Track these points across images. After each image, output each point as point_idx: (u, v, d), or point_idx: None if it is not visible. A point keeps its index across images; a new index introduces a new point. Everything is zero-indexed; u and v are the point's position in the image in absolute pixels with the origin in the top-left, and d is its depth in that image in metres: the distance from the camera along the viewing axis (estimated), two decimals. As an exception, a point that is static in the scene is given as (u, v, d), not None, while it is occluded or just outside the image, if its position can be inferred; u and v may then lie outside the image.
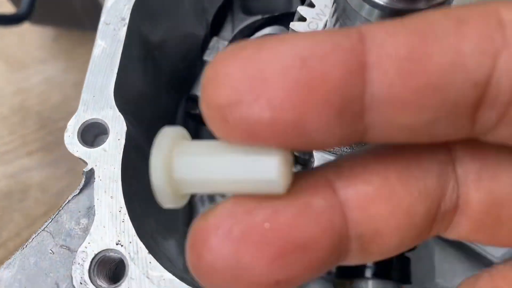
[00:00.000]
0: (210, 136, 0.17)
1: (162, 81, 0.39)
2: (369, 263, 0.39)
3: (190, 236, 0.17)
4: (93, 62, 0.31)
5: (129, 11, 0.33)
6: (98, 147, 0.29)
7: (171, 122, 0.42)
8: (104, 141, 0.29)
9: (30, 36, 0.73)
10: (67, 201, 0.29)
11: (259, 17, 0.40)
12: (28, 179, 0.66)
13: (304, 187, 0.17)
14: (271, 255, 0.16)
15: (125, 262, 0.27)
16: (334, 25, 0.25)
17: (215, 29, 0.42)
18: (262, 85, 0.15)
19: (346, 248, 0.17)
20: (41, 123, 0.67)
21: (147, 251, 0.27)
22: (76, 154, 0.29)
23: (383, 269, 0.40)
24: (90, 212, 0.28)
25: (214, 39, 0.40)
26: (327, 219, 0.17)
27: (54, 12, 0.64)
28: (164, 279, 0.26)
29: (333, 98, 0.15)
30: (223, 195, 0.44)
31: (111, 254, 0.27)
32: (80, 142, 0.29)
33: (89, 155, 0.29)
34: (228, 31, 0.41)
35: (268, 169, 0.16)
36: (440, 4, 0.21)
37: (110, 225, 0.27)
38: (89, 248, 0.27)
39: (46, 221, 0.29)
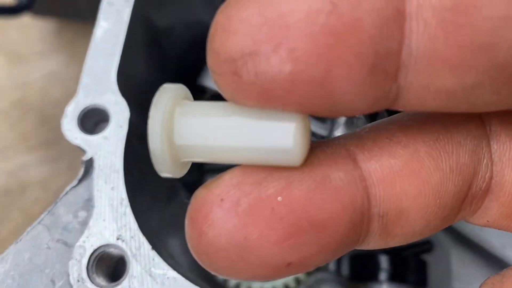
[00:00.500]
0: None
1: (168, 69, 0.37)
2: (384, 265, 0.38)
3: (190, 208, 0.15)
4: (94, 44, 0.29)
5: (134, -8, 0.30)
6: (99, 135, 0.27)
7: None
8: (105, 128, 0.27)
9: (31, 29, 0.72)
10: (64, 192, 0.27)
11: None
12: (28, 176, 0.64)
13: (321, 158, 0.15)
14: (283, 233, 0.14)
15: (126, 258, 0.25)
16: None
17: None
18: (283, 33, 0.13)
19: (366, 228, 0.16)
20: (41, 119, 0.66)
21: (150, 247, 0.25)
22: (75, 142, 0.27)
23: (398, 272, 0.38)
24: (89, 204, 0.26)
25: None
26: (348, 195, 0.15)
27: (56, 4, 0.62)
28: (168, 278, 0.24)
29: (366, 51, 0.13)
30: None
31: (111, 249, 0.25)
32: (79, 129, 0.27)
33: (89, 143, 0.27)
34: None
35: (284, 136, 0.14)
36: None
37: (111, 219, 0.25)
38: (88, 243, 0.25)
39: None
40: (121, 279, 0.25)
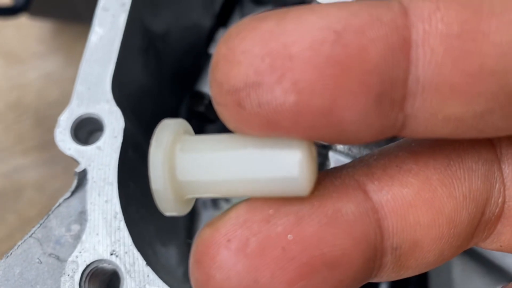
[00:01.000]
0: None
1: (165, 75, 0.36)
2: None
3: (195, 249, 0.14)
4: (89, 50, 0.28)
5: (130, -3, 0.30)
6: (92, 145, 0.26)
7: (174, 120, 0.39)
8: (99, 139, 0.26)
9: (28, 29, 0.71)
10: (57, 204, 0.26)
11: (270, 7, 0.37)
12: (23, 178, 0.64)
13: (331, 189, 0.15)
14: (295, 274, 0.13)
15: (120, 274, 0.24)
16: None
17: (222, 20, 0.39)
18: (287, 64, 0.12)
19: (379, 262, 0.15)
20: (38, 121, 0.65)
21: (145, 262, 0.24)
22: (68, 153, 0.26)
23: (399, 283, 0.38)
24: (82, 217, 0.25)
25: (221, 31, 0.37)
26: (360, 229, 0.14)
27: (53, 5, 0.61)
28: (163, 295, 0.24)
29: (372, 80, 0.12)
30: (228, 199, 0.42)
31: (104, 265, 0.24)
32: (72, 139, 0.26)
33: (82, 154, 0.26)
34: (236, 23, 0.38)
35: (290, 165, 0.14)
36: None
37: (104, 233, 0.25)
38: (80, 258, 0.24)
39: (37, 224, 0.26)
40: (115, 296, 0.24)
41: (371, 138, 0.14)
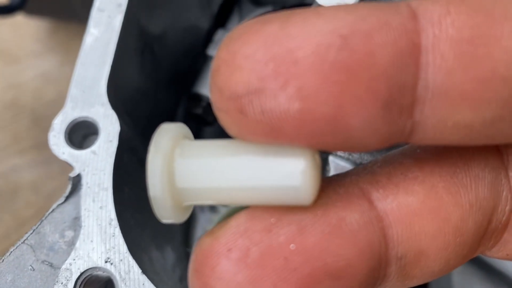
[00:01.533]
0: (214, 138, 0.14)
1: (161, 77, 0.35)
2: None
3: (194, 259, 0.14)
4: (83, 52, 0.27)
5: (126, -3, 0.29)
6: (87, 149, 0.26)
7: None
8: (94, 143, 0.26)
9: (24, 28, 0.70)
10: (51, 210, 0.25)
11: (269, 8, 0.37)
12: (19, 179, 0.63)
13: (334, 198, 0.14)
14: (297, 285, 0.13)
15: (115, 282, 0.23)
16: None
17: (220, 21, 0.38)
18: (291, 69, 0.12)
19: (383, 272, 0.15)
20: (34, 120, 0.65)
21: (140, 270, 0.23)
22: (62, 157, 0.26)
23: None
24: (76, 223, 0.25)
25: (220, 32, 0.37)
26: (365, 238, 0.14)
27: (49, 3, 0.61)
28: (158, 304, 0.23)
29: (380, 86, 0.12)
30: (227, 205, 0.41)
31: (99, 273, 0.24)
32: (66, 143, 0.26)
33: (77, 158, 0.25)
34: (234, 23, 0.38)
35: (293, 173, 0.13)
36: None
37: (99, 240, 0.24)
38: (74, 266, 0.24)
39: (33, 226, 0.25)
40: (109, 304, 0.23)
41: (377, 145, 0.13)
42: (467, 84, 0.12)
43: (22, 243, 0.25)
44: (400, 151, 0.16)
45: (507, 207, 0.16)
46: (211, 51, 0.36)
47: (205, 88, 0.36)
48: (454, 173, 0.15)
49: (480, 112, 0.13)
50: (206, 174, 0.14)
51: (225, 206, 0.40)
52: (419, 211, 0.15)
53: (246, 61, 0.12)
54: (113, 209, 0.24)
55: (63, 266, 0.24)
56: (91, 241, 0.24)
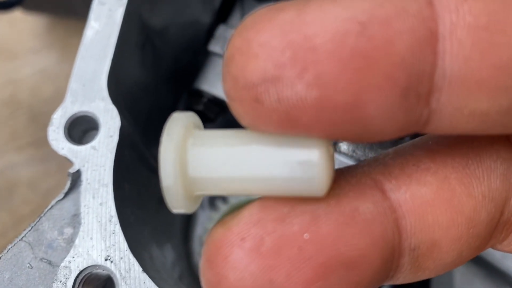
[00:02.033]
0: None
1: (162, 72, 0.35)
2: None
3: (207, 249, 0.14)
4: (84, 46, 0.27)
5: (127, -10, 0.28)
6: (87, 145, 0.25)
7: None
8: (94, 138, 0.25)
9: (22, 24, 0.70)
10: (49, 206, 0.25)
11: (271, 3, 0.36)
12: (17, 176, 0.63)
13: (346, 189, 0.14)
14: (311, 274, 0.13)
15: (115, 281, 0.23)
16: None
17: (222, 16, 0.38)
18: (309, 56, 0.12)
19: (396, 263, 0.15)
20: (32, 117, 0.65)
21: (141, 269, 0.23)
22: (61, 153, 0.25)
23: (401, 286, 0.37)
24: (75, 220, 0.24)
25: (221, 27, 0.36)
26: (378, 229, 0.14)
27: (47, -1, 0.61)
28: (159, 303, 0.23)
29: (398, 74, 0.12)
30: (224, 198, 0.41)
31: (98, 271, 0.23)
32: (66, 138, 0.25)
33: (76, 154, 0.25)
34: (236, 19, 0.37)
35: (307, 164, 0.13)
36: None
37: (99, 237, 0.23)
38: (73, 263, 0.23)
39: (30, 223, 0.25)
40: (109, 303, 0.23)
41: (394, 134, 0.13)
42: (484, 71, 0.12)
43: (20, 240, 0.24)
44: (411, 143, 0.16)
45: None
46: (213, 46, 0.36)
47: (206, 84, 0.36)
48: (466, 164, 0.15)
49: (497, 100, 0.13)
50: (219, 164, 0.14)
51: (223, 199, 0.40)
52: (432, 202, 0.15)
53: (261, 48, 0.12)
54: (113, 205, 0.24)
55: (62, 264, 0.23)
56: (91, 239, 0.24)
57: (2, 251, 0.24)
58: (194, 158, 0.14)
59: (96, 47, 0.27)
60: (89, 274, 0.23)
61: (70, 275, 0.23)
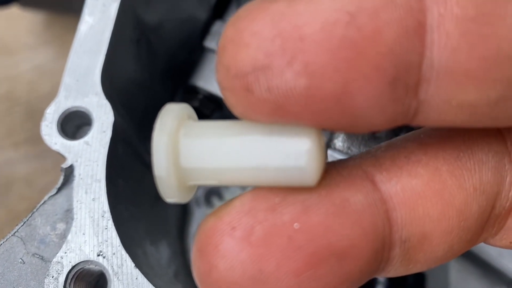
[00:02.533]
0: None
1: (157, 68, 0.35)
2: (381, 279, 0.37)
3: (198, 239, 0.14)
4: (78, 40, 0.27)
5: (122, -15, 0.28)
6: (80, 140, 0.25)
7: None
8: (87, 133, 0.25)
9: (19, 21, 0.70)
10: (42, 201, 0.25)
11: (268, 0, 0.36)
12: (13, 172, 0.63)
13: (338, 180, 0.14)
14: (302, 264, 0.13)
15: (107, 276, 0.23)
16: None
17: (218, 12, 0.38)
18: (298, 46, 0.12)
19: (387, 255, 0.15)
20: (28, 113, 0.64)
21: (133, 264, 0.23)
22: (54, 148, 0.25)
23: (396, 286, 0.37)
24: (68, 215, 0.24)
25: (217, 23, 0.36)
26: (368, 219, 0.14)
27: (45, -5, 0.61)
28: (152, 299, 0.22)
29: (386, 64, 0.12)
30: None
31: (91, 266, 0.23)
32: (59, 133, 0.25)
33: (69, 149, 0.25)
34: (233, 15, 0.37)
35: (298, 153, 0.13)
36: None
37: (91, 233, 0.23)
38: (66, 259, 0.23)
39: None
40: (101, 299, 0.23)
41: (383, 125, 0.13)
42: (472, 62, 0.12)
43: (12, 235, 0.24)
44: (403, 137, 0.16)
45: (511, 193, 0.16)
46: (208, 42, 0.36)
47: (202, 81, 0.36)
48: (457, 157, 0.15)
49: (485, 92, 0.13)
50: (211, 154, 0.14)
51: (219, 196, 0.40)
52: (423, 194, 0.15)
53: (253, 38, 0.12)
54: (106, 201, 0.24)
55: (54, 259, 0.23)
56: (83, 234, 0.23)
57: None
58: (186, 148, 0.14)
59: (90, 42, 0.27)
60: (81, 270, 0.23)
61: (62, 270, 0.23)
